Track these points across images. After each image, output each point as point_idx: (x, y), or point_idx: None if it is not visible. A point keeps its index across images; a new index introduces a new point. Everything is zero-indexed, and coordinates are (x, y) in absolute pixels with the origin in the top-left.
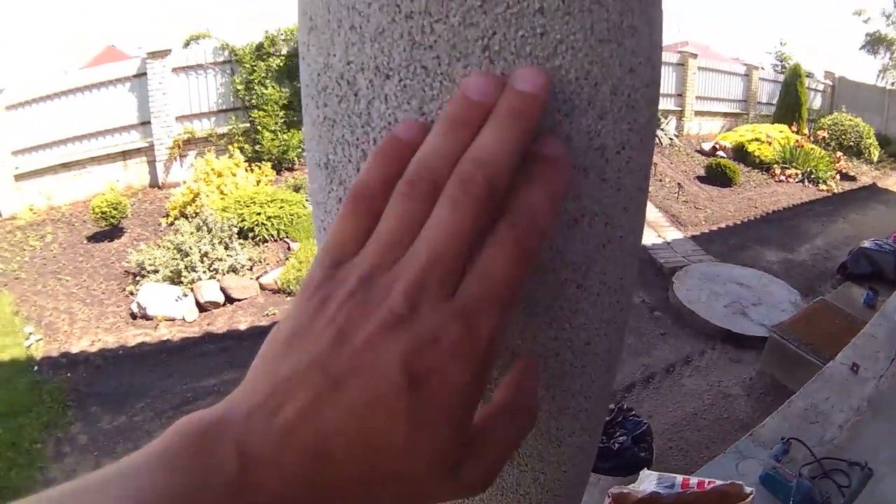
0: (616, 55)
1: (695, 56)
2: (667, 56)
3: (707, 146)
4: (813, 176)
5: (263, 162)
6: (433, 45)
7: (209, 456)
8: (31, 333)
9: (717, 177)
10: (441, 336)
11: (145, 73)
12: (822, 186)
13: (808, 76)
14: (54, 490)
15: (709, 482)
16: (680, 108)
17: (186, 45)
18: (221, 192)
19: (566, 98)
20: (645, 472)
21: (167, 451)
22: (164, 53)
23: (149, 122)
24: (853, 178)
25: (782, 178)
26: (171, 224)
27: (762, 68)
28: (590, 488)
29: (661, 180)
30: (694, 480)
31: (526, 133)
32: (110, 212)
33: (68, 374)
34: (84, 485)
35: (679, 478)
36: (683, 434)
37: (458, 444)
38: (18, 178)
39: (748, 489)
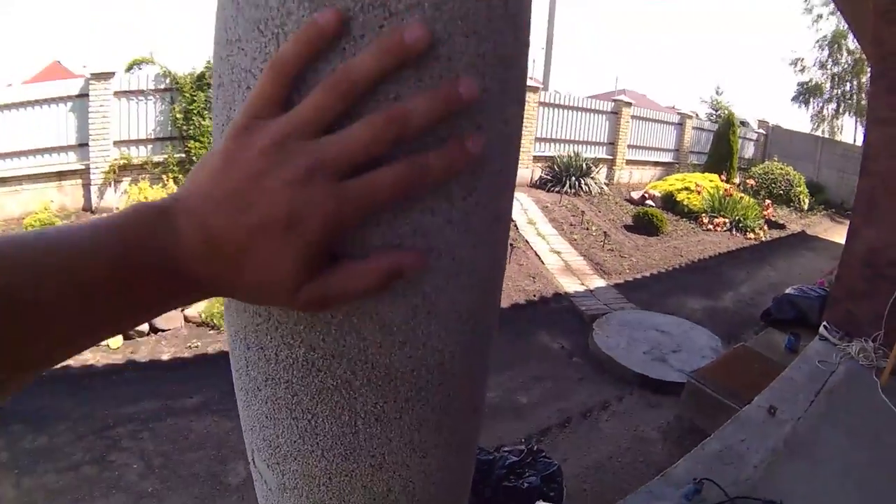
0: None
1: (629, 105)
2: (601, 104)
3: (637, 195)
4: (741, 224)
5: None
6: None
7: (153, 225)
8: None
9: (644, 225)
10: (319, 202)
11: (87, 95)
12: (751, 235)
13: (742, 125)
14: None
15: None
16: (612, 157)
17: (129, 69)
18: None
19: None
20: None
21: (122, 219)
22: (107, 76)
23: (86, 145)
24: (782, 227)
25: (710, 226)
26: None
27: (696, 117)
28: None
29: (587, 228)
30: None
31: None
32: None
33: None
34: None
35: None
36: (599, 476)
37: (304, 270)
38: None
39: None
